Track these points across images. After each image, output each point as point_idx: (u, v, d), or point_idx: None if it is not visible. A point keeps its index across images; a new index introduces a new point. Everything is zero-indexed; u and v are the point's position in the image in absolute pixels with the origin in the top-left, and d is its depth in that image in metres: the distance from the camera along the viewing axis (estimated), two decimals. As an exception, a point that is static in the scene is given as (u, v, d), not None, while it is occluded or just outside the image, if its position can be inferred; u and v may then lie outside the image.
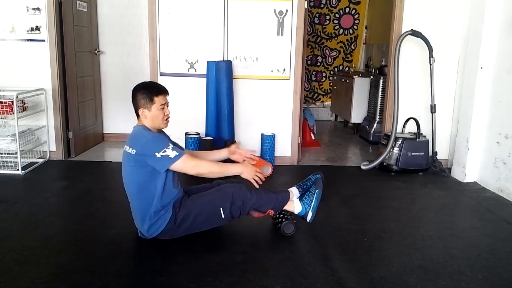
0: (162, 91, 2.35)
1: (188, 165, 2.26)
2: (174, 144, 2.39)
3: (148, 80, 4.02)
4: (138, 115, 2.36)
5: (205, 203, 2.39)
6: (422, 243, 2.49)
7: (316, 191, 2.52)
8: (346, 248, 2.39)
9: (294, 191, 2.57)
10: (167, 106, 2.37)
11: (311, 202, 2.49)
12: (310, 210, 2.49)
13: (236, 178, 2.55)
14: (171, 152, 2.22)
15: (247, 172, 2.37)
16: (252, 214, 2.45)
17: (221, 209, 2.36)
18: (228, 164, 2.43)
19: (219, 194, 2.40)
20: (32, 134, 3.94)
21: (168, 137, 2.51)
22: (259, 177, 2.37)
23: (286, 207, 2.51)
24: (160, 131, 2.42)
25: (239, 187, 2.43)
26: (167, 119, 2.37)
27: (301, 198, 2.54)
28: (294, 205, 2.51)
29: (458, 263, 2.26)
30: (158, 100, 2.31)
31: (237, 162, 2.57)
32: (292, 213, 2.54)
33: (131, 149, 2.28)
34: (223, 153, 2.66)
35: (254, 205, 2.40)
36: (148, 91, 2.32)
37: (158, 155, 2.21)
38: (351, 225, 2.75)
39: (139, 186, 2.32)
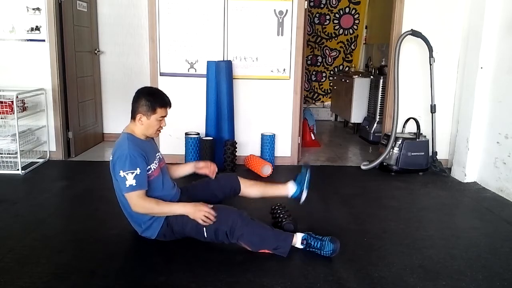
0: (167, 104, 2.32)
1: (132, 202, 2.20)
2: (149, 163, 2.29)
3: (148, 80, 4.06)
4: (133, 118, 2.32)
5: (190, 219, 2.25)
6: (422, 243, 2.49)
7: (307, 170, 2.57)
8: (346, 248, 2.39)
9: (298, 236, 2.31)
10: (165, 118, 2.36)
11: (304, 181, 2.55)
12: (305, 189, 2.54)
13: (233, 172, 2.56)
14: (130, 180, 2.16)
15: (195, 214, 2.21)
16: (241, 244, 2.26)
17: (204, 228, 2.24)
18: (176, 205, 2.28)
19: None
20: (32, 134, 3.94)
21: (154, 148, 2.45)
22: (208, 216, 2.19)
23: (277, 193, 2.58)
24: (148, 139, 2.40)
25: (231, 212, 2.25)
26: (159, 130, 2.36)
27: (294, 180, 2.60)
28: (288, 188, 2.57)
29: (458, 263, 2.26)
30: (160, 112, 2.29)
31: (205, 176, 2.59)
32: (291, 213, 2.54)
33: (111, 155, 2.28)
34: (188, 167, 2.65)
35: (242, 238, 2.21)
36: (153, 100, 2.27)
37: (121, 174, 2.17)
38: (351, 225, 2.75)
39: (123, 195, 2.30)
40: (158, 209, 2.25)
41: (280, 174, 3.87)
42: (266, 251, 2.25)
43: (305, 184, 2.54)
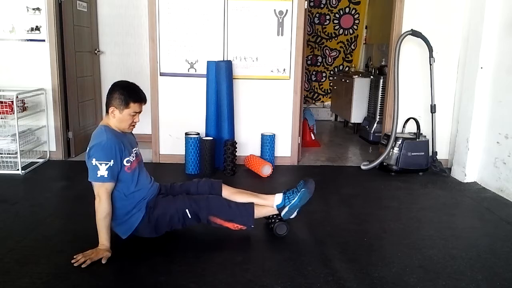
0: (141, 99, 2.29)
1: (99, 194, 2.20)
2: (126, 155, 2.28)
3: (148, 80, 4.06)
4: (107, 111, 2.30)
5: (171, 204, 2.38)
6: (422, 243, 2.49)
7: (302, 189, 2.43)
8: (346, 248, 2.39)
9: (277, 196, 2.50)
10: (139, 114, 2.32)
11: (293, 199, 2.43)
12: (288, 206, 2.42)
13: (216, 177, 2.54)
14: (103, 170, 2.16)
15: (98, 252, 2.18)
16: (212, 220, 2.39)
17: (186, 210, 2.34)
18: (104, 233, 2.22)
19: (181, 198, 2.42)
20: (32, 134, 3.94)
21: (131, 141, 2.42)
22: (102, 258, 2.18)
23: (263, 203, 2.48)
24: (125, 133, 2.38)
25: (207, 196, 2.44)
26: (133, 125, 2.34)
27: (285, 192, 2.49)
28: (275, 198, 2.48)
29: (458, 263, 2.26)
30: (133, 107, 2.26)
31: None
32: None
33: (88, 148, 2.26)
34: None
35: (210, 209, 2.35)
36: (127, 95, 2.24)
37: (93, 162, 2.16)
38: (351, 225, 2.75)
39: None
40: (101, 217, 2.21)
41: (280, 174, 3.87)
42: (236, 225, 2.38)
43: (291, 205, 2.42)
